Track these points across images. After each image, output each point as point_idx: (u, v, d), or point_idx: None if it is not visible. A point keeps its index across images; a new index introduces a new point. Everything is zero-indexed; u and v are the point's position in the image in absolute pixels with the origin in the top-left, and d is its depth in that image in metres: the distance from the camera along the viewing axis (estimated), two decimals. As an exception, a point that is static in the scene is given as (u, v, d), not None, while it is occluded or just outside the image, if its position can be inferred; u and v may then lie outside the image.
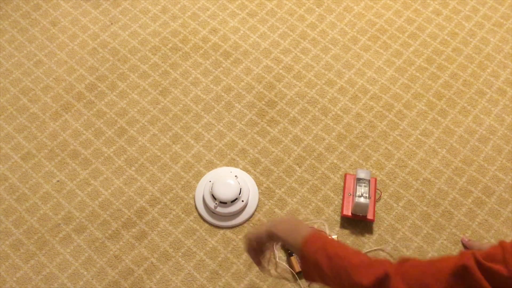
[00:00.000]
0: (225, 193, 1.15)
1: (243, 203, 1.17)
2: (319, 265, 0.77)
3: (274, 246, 1.16)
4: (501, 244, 0.63)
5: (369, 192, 1.16)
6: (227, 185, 1.16)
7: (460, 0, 1.50)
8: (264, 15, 1.46)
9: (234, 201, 1.16)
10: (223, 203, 1.15)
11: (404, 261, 0.71)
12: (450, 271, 0.63)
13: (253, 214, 1.19)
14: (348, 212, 1.17)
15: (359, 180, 1.17)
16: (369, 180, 1.18)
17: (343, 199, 1.20)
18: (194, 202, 1.20)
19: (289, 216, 1.02)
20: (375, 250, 1.16)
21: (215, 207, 1.16)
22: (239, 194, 1.17)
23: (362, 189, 1.16)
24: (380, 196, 1.21)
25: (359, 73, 1.38)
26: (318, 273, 0.77)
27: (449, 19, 1.47)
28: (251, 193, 1.20)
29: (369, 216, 1.16)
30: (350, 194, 1.19)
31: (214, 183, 1.17)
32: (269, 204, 1.21)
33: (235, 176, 1.19)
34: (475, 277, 0.61)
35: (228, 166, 1.25)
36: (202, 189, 1.20)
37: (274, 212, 1.20)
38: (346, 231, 1.18)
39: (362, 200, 1.14)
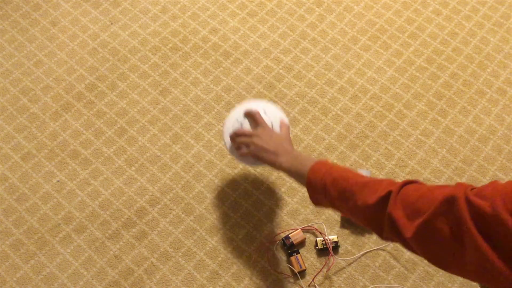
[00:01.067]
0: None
1: None
2: (326, 188, 0.83)
3: (274, 247, 1.16)
4: (493, 183, 0.64)
5: None
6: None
7: (460, 0, 1.50)
8: (264, 15, 1.46)
9: None
10: None
11: (408, 182, 0.73)
12: (442, 198, 0.65)
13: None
14: None
15: None
16: None
17: None
18: (224, 141, 1.12)
19: (285, 145, 0.99)
20: (375, 250, 1.16)
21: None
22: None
23: None
24: None
25: (359, 73, 1.38)
26: (325, 196, 0.83)
27: (449, 19, 1.47)
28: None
29: None
30: None
31: (242, 123, 1.07)
32: (270, 204, 1.21)
33: (264, 112, 1.07)
34: (459, 207, 0.62)
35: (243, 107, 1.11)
36: (230, 126, 1.08)
37: (275, 212, 1.20)
38: (346, 231, 1.18)
39: None
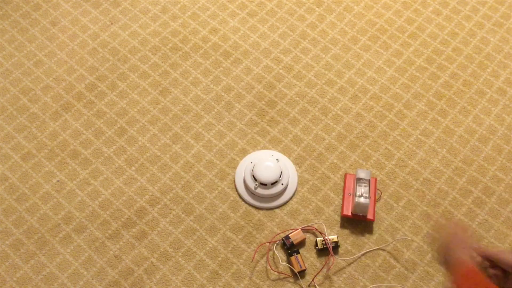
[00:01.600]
0: (265, 175, 1.18)
1: (283, 186, 1.19)
2: None
3: (274, 247, 1.16)
4: None
5: (369, 192, 1.16)
6: (268, 167, 1.19)
7: (460, 0, 1.50)
8: (264, 15, 1.46)
9: (274, 183, 1.18)
10: (263, 185, 1.18)
11: None
12: None
13: (291, 197, 1.21)
14: (348, 212, 1.17)
15: (359, 180, 1.18)
16: (369, 180, 1.18)
17: (343, 199, 1.20)
18: (234, 183, 1.22)
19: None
20: (375, 250, 1.16)
21: (255, 188, 1.18)
22: (280, 177, 1.19)
23: (362, 189, 1.16)
24: (380, 196, 1.22)
25: (359, 73, 1.38)
26: None
27: (449, 19, 1.47)
28: (291, 177, 1.22)
29: (369, 216, 1.16)
30: (350, 194, 1.19)
31: (256, 165, 1.20)
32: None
33: (276, 159, 1.22)
34: None
35: (264, 149, 1.25)
36: (243, 170, 1.22)
37: (275, 212, 1.20)
38: (346, 231, 1.18)
39: (362, 200, 1.14)
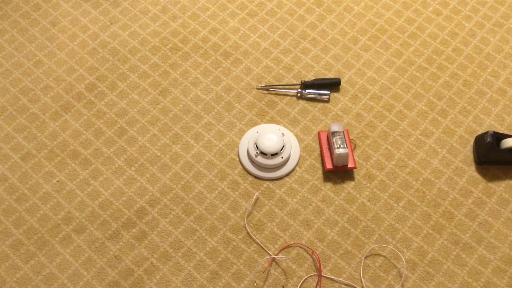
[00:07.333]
0: (267, 145, 1.21)
1: (282, 159, 1.22)
2: None
3: (271, 267, 1.16)
4: None
5: (346, 143, 1.20)
6: (271, 139, 1.22)
7: (460, 0, 1.50)
8: (264, 15, 1.46)
9: (274, 155, 1.21)
10: (264, 154, 1.21)
11: None
12: None
13: (293, 169, 1.25)
14: (330, 165, 1.22)
15: (333, 133, 1.23)
16: (343, 131, 1.22)
17: (322, 155, 1.24)
18: (238, 155, 1.26)
19: None
20: (375, 250, 1.16)
21: (256, 156, 1.22)
22: (281, 150, 1.22)
23: (338, 141, 1.22)
24: (355, 145, 1.26)
25: (359, 73, 1.38)
26: None
27: (449, 19, 1.47)
28: (293, 152, 1.25)
29: (351, 165, 1.22)
30: (328, 149, 1.24)
31: (260, 134, 1.23)
32: (269, 204, 1.21)
33: (282, 134, 1.24)
34: None
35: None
36: (247, 140, 1.27)
37: (275, 212, 1.20)
38: (346, 231, 1.18)
39: (341, 150, 1.19)
